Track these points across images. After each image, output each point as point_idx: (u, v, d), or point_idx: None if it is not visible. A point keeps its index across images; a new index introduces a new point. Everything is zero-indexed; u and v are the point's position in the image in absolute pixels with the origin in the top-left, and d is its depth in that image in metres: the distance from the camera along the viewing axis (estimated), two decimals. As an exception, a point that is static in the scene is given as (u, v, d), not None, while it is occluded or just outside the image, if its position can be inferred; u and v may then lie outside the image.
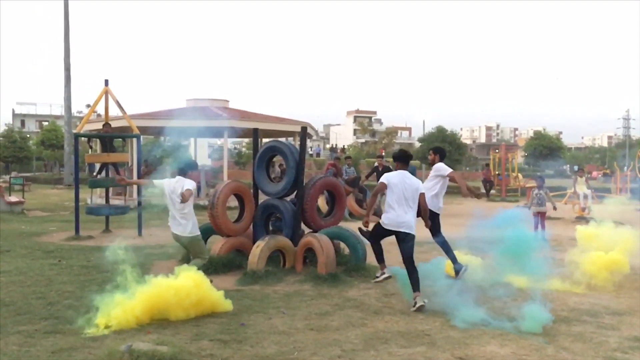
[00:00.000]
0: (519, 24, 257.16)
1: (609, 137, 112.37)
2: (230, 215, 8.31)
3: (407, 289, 6.34)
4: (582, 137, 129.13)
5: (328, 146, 66.82)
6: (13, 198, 17.84)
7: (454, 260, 7.10)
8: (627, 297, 6.89)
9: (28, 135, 51.45)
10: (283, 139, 16.17)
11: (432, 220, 6.87)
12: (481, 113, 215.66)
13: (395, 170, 6.69)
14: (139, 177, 13.39)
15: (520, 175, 28.88)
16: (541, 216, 11.18)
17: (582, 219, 14.31)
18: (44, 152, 48.92)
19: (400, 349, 4.88)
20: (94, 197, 14.97)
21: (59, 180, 32.46)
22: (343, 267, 7.74)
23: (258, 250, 7.52)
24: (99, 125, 14.57)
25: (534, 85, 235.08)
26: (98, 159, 13.19)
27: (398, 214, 6.31)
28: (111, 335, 5.10)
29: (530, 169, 53.89)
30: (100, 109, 14.22)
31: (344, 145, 56.74)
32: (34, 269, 8.05)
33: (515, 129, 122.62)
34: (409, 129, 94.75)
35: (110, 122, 13.02)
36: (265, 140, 17.37)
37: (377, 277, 7.26)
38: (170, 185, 6.69)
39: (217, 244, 8.14)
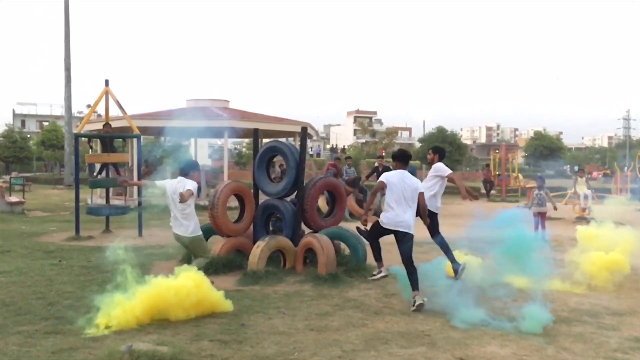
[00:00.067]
0: (519, 24, 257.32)
1: (609, 138, 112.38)
2: (230, 216, 8.31)
3: (407, 290, 6.34)
4: (583, 138, 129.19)
5: (328, 146, 66.81)
6: (13, 198, 17.85)
7: (452, 260, 7.11)
8: (628, 297, 6.89)
9: (28, 136, 51.50)
10: (283, 139, 16.16)
11: (430, 219, 6.90)
12: (481, 113, 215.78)
13: (395, 169, 6.70)
14: (139, 177, 13.38)
15: (520, 176, 28.88)
16: (541, 216, 11.18)
17: (582, 219, 14.30)
18: (44, 152, 48.92)
19: (400, 349, 4.88)
20: (94, 198, 14.96)
21: (60, 181, 32.47)
22: (343, 268, 7.74)
23: (258, 251, 7.52)
24: (100, 126, 14.59)
25: (534, 85, 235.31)
26: (98, 159, 13.19)
27: (397, 213, 6.33)
28: (111, 335, 5.09)
29: (530, 169, 53.88)
30: (101, 109, 14.21)
31: (344, 146, 56.70)
32: (34, 269, 8.05)
33: (516, 129, 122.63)
34: (409, 129, 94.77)
35: (110, 123, 13.03)
36: (265, 140, 17.37)
37: (374, 275, 7.34)
38: (172, 186, 6.70)
39: (217, 244, 8.14)
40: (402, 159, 6.68)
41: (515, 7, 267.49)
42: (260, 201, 8.70)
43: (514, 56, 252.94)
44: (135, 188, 15.38)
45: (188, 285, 5.65)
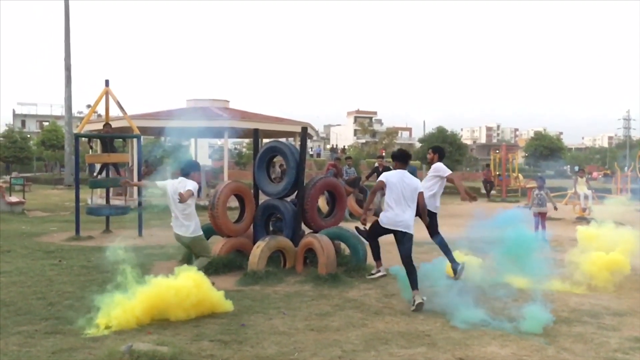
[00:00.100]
0: (520, 24, 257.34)
1: (610, 138, 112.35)
2: (230, 216, 8.31)
3: (407, 290, 6.35)
4: (583, 138, 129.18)
5: (328, 146, 66.84)
6: (13, 198, 17.86)
7: (452, 260, 7.11)
8: (628, 297, 6.88)
9: (29, 136, 51.51)
10: (283, 140, 16.16)
11: (429, 219, 6.91)
12: (482, 113, 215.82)
13: (395, 169, 6.70)
14: (139, 177, 13.38)
15: (520, 176, 28.90)
16: (542, 216, 11.17)
17: (582, 219, 14.30)
18: (44, 152, 48.93)
19: (400, 349, 4.88)
20: (95, 198, 14.96)
21: (60, 181, 32.49)
22: (343, 268, 7.74)
23: (258, 251, 7.52)
24: (100, 126, 14.58)
25: (535, 85, 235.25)
26: (98, 159, 13.19)
27: (396, 213, 6.34)
28: (111, 335, 5.09)
29: (530, 169, 53.88)
30: (101, 109, 14.23)
31: (344, 146, 56.72)
32: (34, 270, 8.05)
33: (516, 130, 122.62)
34: (410, 130, 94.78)
35: (110, 123, 13.03)
36: (265, 140, 17.37)
37: (372, 273, 7.37)
38: (173, 186, 6.72)
39: (217, 245, 8.14)
40: (401, 158, 6.69)
41: (515, 7, 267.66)
42: (261, 201, 8.70)
43: (514, 56, 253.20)
44: (136, 188, 15.38)
45: (188, 286, 5.65)
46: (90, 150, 14.33)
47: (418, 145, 48.94)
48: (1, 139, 45.35)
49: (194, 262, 6.84)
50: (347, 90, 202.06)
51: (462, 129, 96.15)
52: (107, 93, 12.18)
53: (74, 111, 39.64)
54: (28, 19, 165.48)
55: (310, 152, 52.63)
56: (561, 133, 76.94)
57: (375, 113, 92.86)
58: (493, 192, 26.33)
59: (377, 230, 6.69)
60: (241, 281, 7.27)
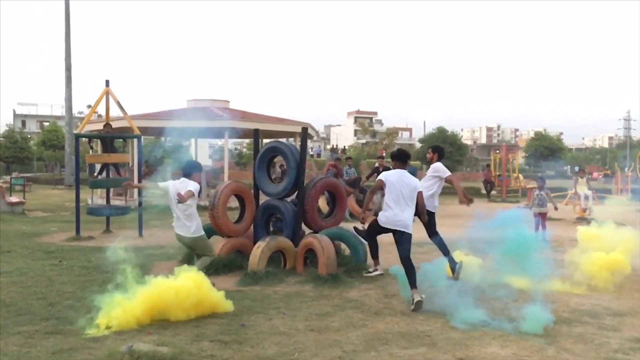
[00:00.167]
0: (520, 24, 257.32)
1: (610, 138, 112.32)
2: (230, 216, 8.31)
3: (407, 289, 6.35)
4: (583, 138, 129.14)
5: (329, 147, 66.92)
6: (14, 198, 17.86)
7: (450, 260, 7.11)
8: (628, 298, 6.88)
9: (29, 136, 51.52)
10: (284, 140, 16.17)
11: (428, 219, 6.92)
12: (482, 114, 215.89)
13: (394, 169, 6.71)
14: (139, 177, 13.39)
15: (521, 176, 28.90)
16: (542, 217, 11.18)
17: (583, 219, 14.31)
18: (44, 152, 48.93)
19: (400, 350, 4.88)
20: (95, 198, 14.97)
21: (60, 181, 32.49)
22: (344, 268, 7.74)
23: (259, 251, 7.52)
24: (100, 126, 14.60)
25: (535, 85, 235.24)
26: (99, 159, 13.20)
27: (395, 212, 6.35)
28: (112, 335, 5.09)
29: (531, 169, 53.87)
30: (101, 110, 14.24)
31: (344, 146, 56.78)
32: (34, 270, 8.05)
33: (516, 130, 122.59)
34: (410, 130, 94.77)
35: (111, 123, 13.04)
36: (266, 140, 17.37)
37: (369, 271, 7.36)
38: (174, 187, 6.72)
39: (217, 245, 8.13)
40: (400, 158, 6.71)
41: (515, 7, 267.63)
42: (261, 201, 8.70)
43: (515, 56, 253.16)
44: (136, 189, 15.38)
45: (188, 286, 5.65)
46: (91, 151, 14.34)
47: (418, 145, 48.89)
48: (1, 139, 45.36)
49: (196, 262, 6.85)
50: (348, 90, 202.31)
51: (462, 129, 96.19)
52: (107, 93, 12.19)
53: (75, 111, 39.66)
54: (28, 19, 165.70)
55: (311, 153, 52.64)
56: (561, 133, 77.00)
57: (375, 113, 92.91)
58: (493, 192, 26.33)
59: (375, 230, 6.71)
60: (241, 281, 7.27)
